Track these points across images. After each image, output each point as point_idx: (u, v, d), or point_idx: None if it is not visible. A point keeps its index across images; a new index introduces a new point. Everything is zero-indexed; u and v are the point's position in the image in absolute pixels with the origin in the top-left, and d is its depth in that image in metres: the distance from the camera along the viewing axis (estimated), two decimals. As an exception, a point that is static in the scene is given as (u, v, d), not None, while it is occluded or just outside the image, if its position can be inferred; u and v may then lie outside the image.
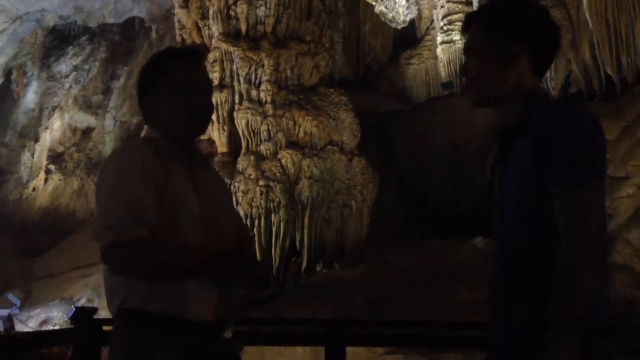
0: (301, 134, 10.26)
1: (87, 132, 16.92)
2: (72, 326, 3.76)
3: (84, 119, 16.93)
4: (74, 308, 3.93)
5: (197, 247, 1.73)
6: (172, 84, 1.83)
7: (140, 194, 1.68)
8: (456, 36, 13.00)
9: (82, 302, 11.48)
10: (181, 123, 1.83)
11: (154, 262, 1.68)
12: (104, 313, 10.54)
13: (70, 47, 17.46)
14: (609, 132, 9.07)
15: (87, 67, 17.21)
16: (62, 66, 17.23)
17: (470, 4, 13.67)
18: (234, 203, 9.09)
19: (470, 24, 1.67)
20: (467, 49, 1.67)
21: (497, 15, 1.63)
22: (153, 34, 17.08)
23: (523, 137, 1.56)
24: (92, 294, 11.90)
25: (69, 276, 12.84)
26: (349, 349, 4.06)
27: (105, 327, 3.97)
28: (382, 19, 16.57)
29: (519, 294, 1.55)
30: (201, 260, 1.72)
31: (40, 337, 4.32)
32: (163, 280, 1.70)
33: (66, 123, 16.82)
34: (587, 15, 10.12)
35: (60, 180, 16.24)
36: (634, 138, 8.77)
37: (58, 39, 17.52)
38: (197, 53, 2.00)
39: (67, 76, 17.18)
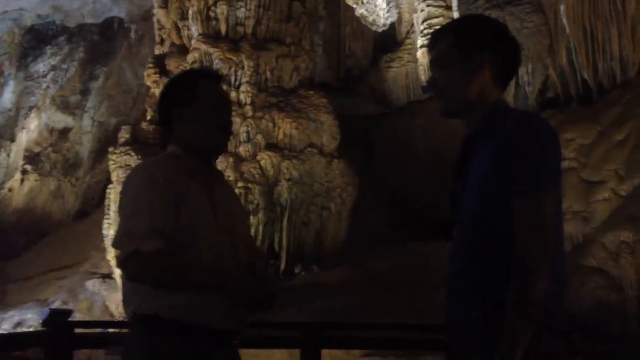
0: (280, 136, 10.26)
1: (64, 132, 16.74)
2: (45, 328, 3.71)
3: (62, 119, 16.75)
4: (48, 310, 3.89)
5: (213, 260, 1.81)
6: (202, 102, 1.92)
7: (160, 207, 1.77)
8: (436, 40, 13.05)
9: (57, 305, 11.36)
10: (209, 140, 1.93)
11: (170, 273, 1.76)
12: (78, 315, 10.40)
13: (48, 47, 17.28)
14: (585, 136, 9.17)
15: (65, 67, 17.04)
16: (40, 66, 17.03)
17: (449, 8, 13.75)
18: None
19: (437, 40, 1.77)
20: (435, 61, 1.77)
21: (462, 30, 1.75)
22: (132, 35, 16.97)
23: (485, 144, 1.63)
24: (67, 296, 11.78)
25: (44, 278, 12.69)
26: (326, 352, 4.06)
27: (78, 330, 3.93)
28: (363, 22, 16.60)
29: (476, 294, 1.58)
30: (218, 274, 1.81)
31: (14, 339, 4.26)
32: (179, 289, 1.77)
33: (43, 123, 16.63)
34: (565, 21, 10.21)
35: (36, 181, 16.04)
36: (609, 143, 8.87)
37: (36, 38, 17.32)
38: (216, 73, 2.20)
39: (44, 76, 16.99)
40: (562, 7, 10.27)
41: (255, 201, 9.69)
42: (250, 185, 9.71)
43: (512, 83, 10.67)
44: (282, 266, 9.88)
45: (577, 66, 10.24)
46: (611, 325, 7.27)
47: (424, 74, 13.62)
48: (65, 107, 16.81)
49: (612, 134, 8.92)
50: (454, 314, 1.65)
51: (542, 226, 1.50)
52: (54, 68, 17.04)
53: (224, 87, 10.00)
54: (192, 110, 1.92)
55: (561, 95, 10.57)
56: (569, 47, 10.32)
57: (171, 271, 1.76)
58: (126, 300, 1.86)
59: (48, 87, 16.86)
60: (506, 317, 1.46)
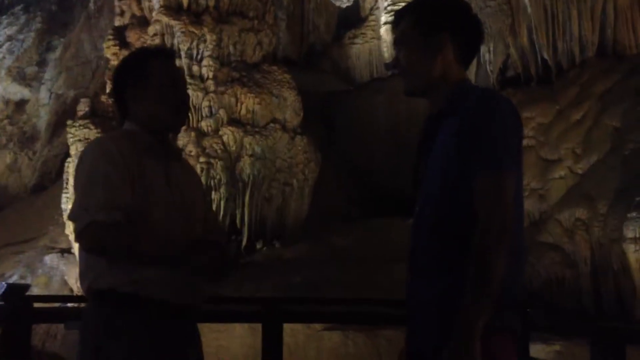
0: (243, 111, 10.19)
1: (20, 104, 16.34)
2: (3, 303, 3.65)
3: (18, 91, 16.33)
4: (4, 285, 3.82)
5: (167, 235, 1.83)
6: (154, 82, 1.93)
7: (115, 180, 1.78)
8: (400, 17, 13.08)
9: (15, 280, 11.19)
10: (165, 118, 1.94)
11: (126, 245, 1.78)
12: (36, 290, 10.24)
13: (4, 17, 16.77)
14: (543, 115, 9.33)
15: (21, 37, 16.58)
16: (-5, 36, 16.56)
17: (414, -15, 13.75)
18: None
19: (399, 20, 1.79)
20: (398, 41, 1.78)
21: (424, 8, 1.76)
22: (91, 5, 16.57)
23: (447, 122, 1.65)
24: (25, 271, 11.60)
25: (0, 252, 12.47)
26: (287, 326, 4.09)
27: (37, 304, 3.89)
28: (327, -3, 16.53)
29: (437, 269, 1.61)
30: (171, 248, 1.82)
31: (-31, 315, 4.19)
32: (134, 262, 1.79)
33: (-1, 95, 16.21)
34: (526, 1, 10.32)
35: (-8, 154, 15.69)
36: (567, 122, 9.04)
37: (-10, 7, 16.81)
38: (171, 51, 2.23)
39: (0, 46, 16.52)
40: (524, -13, 10.37)
41: (217, 176, 9.64)
42: (212, 161, 9.64)
43: (474, 62, 10.76)
44: (244, 242, 9.87)
45: (538, 46, 10.38)
46: (566, 300, 7.48)
47: (387, 51, 13.66)
48: (21, 78, 16.39)
49: (570, 114, 9.10)
50: (414, 289, 1.67)
51: (502, 204, 1.53)
52: (10, 38, 16.56)
53: (185, 61, 9.92)
54: (145, 91, 1.93)
55: (521, 74, 10.71)
56: (530, 26, 10.45)
57: (126, 243, 1.78)
58: (82, 275, 1.87)
59: (4, 57, 16.40)
60: (465, 293, 1.49)
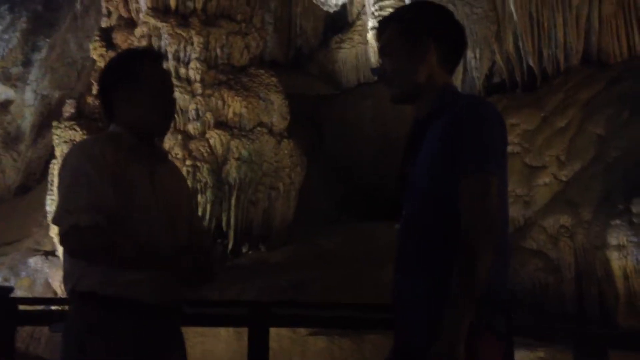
0: (230, 115, 10.18)
1: (5, 105, 16.20)
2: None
3: (2, 92, 16.20)
4: (-13, 287, 3.80)
5: (149, 237, 1.83)
6: (142, 85, 1.93)
7: (98, 183, 1.79)
8: (387, 22, 13.11)
9: (-2, 282, 11.08)
10: (153, 121, 1.94)
11: (108, 248, 1.78)
12: (20, 293, 10.15)
13: (-12, 16, 16.64)
14: (528, 122, 9.40)
15: (6, 37, 16.45)
16: (-21, 35, 16.42)
17: (401, -9, 13.82)
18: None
19: (384, 28, 1.82)
20: (382, 49, 1.82)
21: (407, 16, 1.80)
22: (78, 6, 16.48)
23: (433, 126, 1.69)
24: (8, 273, 11.49)
25: (-17, 254, 12.34)
26: (273, 330, 4.09)
27: (21, 307, 3.87)
28: (314, 1, 16.54)
29: (423, 271, 1.64)
30: (152, 250, 1.83)
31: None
32: (115, 265, 1.80)
33: (-17, 95, 16.07)
34: (512, 8, 10.40)
35: (-25, 154, 15.54)
36: (552, 129, 9.11)
37: (-25, 6, 16.67)
38: (158, 54, 2.21)
39: (-16, 46, 16.38)
40: (510, -6, 10.45)
41: (204, 180, 9.62)
42: (198, 164, 9.62)
43: (460, 68, 10.84)
44: (230, 245, 9.85)
45: (523, 52, 10.46)
46: (549, 305, 7.52)
47: (374, 56, 13.68)
48: (6, 78, 16.25)
49: (555, 121, 9.17)
50: (401, 289, 1.70)
51: (486, 207, 1.56)
52: (-6, 38, 16.43)
53: (172, 63, 9.89)
54: (133, 93, 1.93)
55: (507, 80, 10.79)
56: (516, 33, 10.52)
57: (107, 246, 1.78)
58: (66, 277, 1.88)
59: (-12, 57, 16.26)
60: (451, 292, 1.52)
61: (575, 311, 7.37)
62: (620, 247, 7.01)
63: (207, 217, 9.58)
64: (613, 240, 7.08)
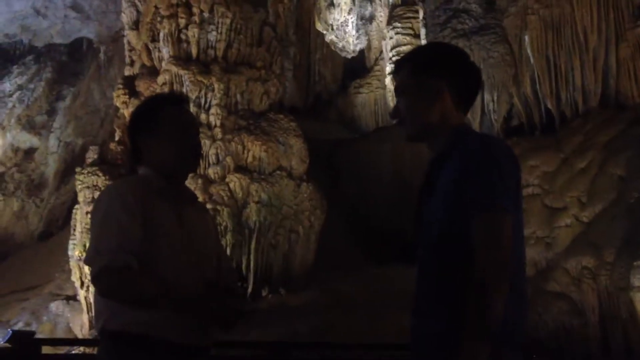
0: (250, 159, 10.28)
1: (29, 152, 16.52)
2: (11, 346, 3.65)
3: (27, 139, 16.53)
4: (10, 331, 3.83)
5: (176, 277, 1.86)
6: (164, 128, 1.99)
7: (128, 225, 1.83)
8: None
9: (20, 326, 11.13)
10: (174, 162, 1.99)
11: (137, 288, 1.81)
12: (41, 337, 10.20)
13: (15, 66, 17.10)
14: (548, 164, 9.38)
15: (32, 86, 16.87)
16: (6, 85, 16.83)
17: (417, 36, 14.02)
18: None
19: (399, 69, 1.86)
20: (397, 89, 1.85)
21: (421, 56, 1.84)
22: (101, 56, 16.89)
23: (447, 166, 1.70)
24: (30, 317, 11.55)
25: (6, 300, 12.43)
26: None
27: (44, 350, 3.88)
28: (333, 48, 16.82)
29: (440, 311, 1.64)
30: (180, 291, 1.85)
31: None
32: (145, 305, 1.83)
33: (8, 143, 16.39)
34: (529, 51, 10.50)
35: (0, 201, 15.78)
36: (572, 170, 9.08)
37: (3, 57, 17.13)
38: (181, 97, 2.21)
39: (10, 95, 16.78)
40: (526, 38, 10.56)
41: (224, 223, 9.67)
42: (218, 208, 9.69)
43: (478, 111, 10.90)
44: (250, 289, 9.83)
45: (541, 95, 10.51)
46: (574, 349, 7.39)
47: (392, 100, 13.82)
48: (31, 127, 16.60)
49: (575, 162, 9.14)
50: (418, 331, 1.70)
51: (499, 245, 1.55)
52: (20, 87, 16.85)
53: (193, 109, 10.07)
54: (158, 137, 1.98)
55: (525, 123, 10.82)
56: (533, 76, 10.59)
57: (136, 287, 1.81)
58: (97, 315, 1.91)
59: (14, 106, 16.65)
60: (464, 332, 1.51)
61: (600, 354, 7.23)
62: (644, 288, 6.91)
63: (227, 261, 9.59)
64: (637, 281, 6.98)
